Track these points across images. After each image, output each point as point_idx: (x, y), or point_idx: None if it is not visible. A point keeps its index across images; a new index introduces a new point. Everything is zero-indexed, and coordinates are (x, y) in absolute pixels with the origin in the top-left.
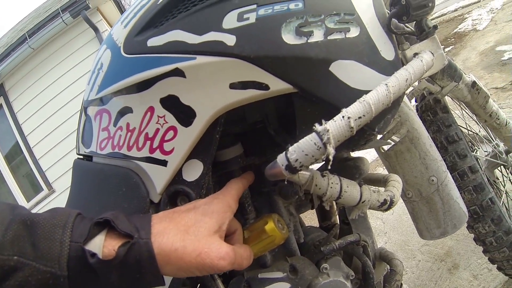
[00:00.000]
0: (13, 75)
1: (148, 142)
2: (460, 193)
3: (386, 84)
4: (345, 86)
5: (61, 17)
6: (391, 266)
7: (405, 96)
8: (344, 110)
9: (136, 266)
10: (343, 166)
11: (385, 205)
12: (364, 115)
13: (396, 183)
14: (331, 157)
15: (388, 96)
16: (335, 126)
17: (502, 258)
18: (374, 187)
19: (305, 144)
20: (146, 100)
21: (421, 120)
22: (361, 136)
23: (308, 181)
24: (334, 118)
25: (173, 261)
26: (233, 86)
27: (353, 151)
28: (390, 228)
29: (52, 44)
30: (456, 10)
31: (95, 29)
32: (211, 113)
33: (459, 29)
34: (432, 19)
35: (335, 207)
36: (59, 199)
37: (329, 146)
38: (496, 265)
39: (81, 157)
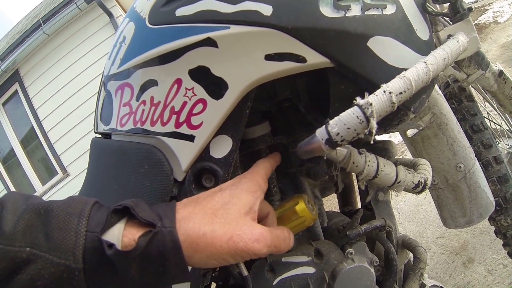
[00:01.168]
0: (28, 61)
1: (174, 116)
2: None
3: (425, 62)
4: (382, 62)
5: (75, 2)
6: (414, 253)
7: None
8: (384, 85)
9: (159, 258)
10: (372, 148)
11: (419, 187)
12: (405, 91)
13: (426, 167)
14: (374, 131)
15: (427, 74)
16: (377, 100)
17: None
18: (408, 168)
19: (347, 117)
20: (173, 72)
21: None
22: (396, 115)
23: (346, 158)
24: (375, 92)
25: (202, 248)
26: (269, 57)
27: (386, 131)
28: (405, 219)
29: (66, 30)
30: (476, 1)
31: (110, 15)
32: (245, 85)
33: (480, 20)
34: None
35: (356, 191)
36: (74, 182)
37: (372, 120)
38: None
39: (99, 136)
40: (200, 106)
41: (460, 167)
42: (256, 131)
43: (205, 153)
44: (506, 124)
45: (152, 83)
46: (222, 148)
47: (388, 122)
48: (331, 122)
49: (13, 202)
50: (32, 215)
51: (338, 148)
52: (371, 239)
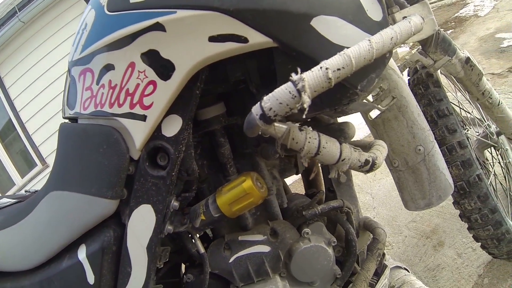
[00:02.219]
0: (3, 50)
1: (129, 98)
2: (448, 168)
3: (369, 40)
4: (326, 41)
5: None
6: (374, 234)
7: (395, 65)
8: (323, 61)
9: None
10: (327, 128)
11: (367, 166)
12: (343, 67)
13: (381, 147)
14: (306, 106)
15: (370, 52)
16: (312, 76)
17: (486, 237)
18: (355, 147)
19: (280, 92)
20: (128, 56)
21: (412, 94)
22: (344, 94)
23: (284, 134)
24: (312, 68)
25: None
26: (212, 39)
27: (337, 112)
28: (379, 204)
29: (43, 17)
30: None
31: (87, 0)
32: (190, 66)
33: (460, 13)
34: (432, 3)
35: (321, 175)
36: None
37: (304, 95)
38: (480, 243)
39: (67, 121)
40: (151, 88)
41: (420, 150)
42: (210, 112)
43: (157, 132)
44: (477, 112)
45: (110, 67)
46: (173, 127)
47: (337, 101)
48: (264, 97)
49: None
50: None
51: (277, 124)
52: (332, 221)
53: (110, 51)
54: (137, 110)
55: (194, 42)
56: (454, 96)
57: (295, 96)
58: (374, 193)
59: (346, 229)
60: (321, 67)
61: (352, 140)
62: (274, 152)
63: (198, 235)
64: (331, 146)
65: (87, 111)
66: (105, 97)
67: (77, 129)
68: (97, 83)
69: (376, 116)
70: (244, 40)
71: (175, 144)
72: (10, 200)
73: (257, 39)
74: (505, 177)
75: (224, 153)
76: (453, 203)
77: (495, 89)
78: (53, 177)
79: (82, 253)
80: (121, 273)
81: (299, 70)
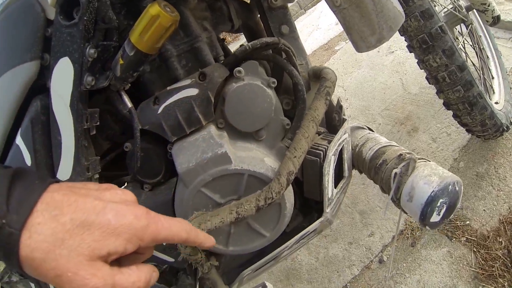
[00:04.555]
0: None
1: None
2: (406, 21)
3: None
4: None
5: None
6: (321, 74)
7: None
8: None
9: None
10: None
11: None
12: None
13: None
14: None
15: None
16: None
17: (457, 100)
18: None
19: None
20: None
21: None
22: None
23: None
24: None
25: (33, 268)
26: None
27: None
28: (351, 95)
29: None
30: None
31: None
32: None
33: None
34: None
35: (262, 25)
36: None
37: None
38: (451, 112)
39: None
40: None
41: None
42: None
43: None
44: None
45: None
46: None
47: None
48: None
49: None
50: None
51: None
52: (275, 71)
53: None
54: None
55: None
56: None
57: None
58: (346, 86)
59: (289, 71)
60: None
61: None
62: None
63: (124, 90)
64: None
65: None
66: None
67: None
68: None
69: None
70: None
71: None
72: None
73: None
74: (477, 56)
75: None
76: (417, 63)
77: None
78: None
79: (18, 136)
80: (53, 145)
81: None
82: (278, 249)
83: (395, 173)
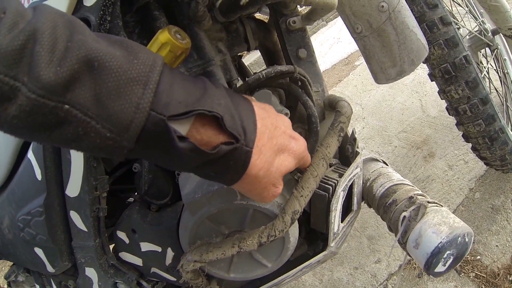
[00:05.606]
0: None
1: None
2: (430, 49)
3: None
4: None
5: None
6: (336, 107)
7: None
8: None
9: (223, 167)
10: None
11: None
12: None
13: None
14: None
15: None
16: None
17: (477, 134)
18: None
19: None
20: None
21: None
22: None
23: None
24: None
25: (249, 183)
26: None
27: None
28: (368, 114)
29: None
30: None
31: None
32: None
33: None
34: None
35: (279, 45)
36: None
37: None
38: (470, 143)
39: None
40: None
41: (383, 6)
42: None
43: (79, 5)
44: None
45: None
46: None
47: None
48: None
49: (50, 34)
50: (81, 66)
51: None
52: (290, 98)
53: None
54: None
55: None
56: None
57: None
58: (364, 104)
59: (303, 102)
60: None
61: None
62: (196, 3)
63: None
64: None
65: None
66: None
67: None
68: None
69: None
70: None
71: (95, 12)
72: None
73: None
74: (500, 81)
75: (160, 26)
76: (438, 92)
77: None
78: None
79: (29, 150)
80: (63, 163)
81: None
82: (280, 278)
83: (404, 216)
